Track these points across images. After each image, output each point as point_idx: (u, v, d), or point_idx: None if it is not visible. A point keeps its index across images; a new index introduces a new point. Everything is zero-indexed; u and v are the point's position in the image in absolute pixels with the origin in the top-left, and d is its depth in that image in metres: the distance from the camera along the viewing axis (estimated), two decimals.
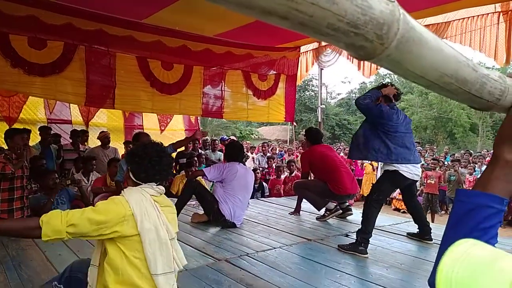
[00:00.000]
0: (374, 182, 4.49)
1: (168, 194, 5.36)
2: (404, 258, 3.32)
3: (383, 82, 4.48)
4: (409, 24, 0.57)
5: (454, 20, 4.75)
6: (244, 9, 0.48)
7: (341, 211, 4.67)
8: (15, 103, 6.81)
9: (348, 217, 4.78)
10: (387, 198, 8.28)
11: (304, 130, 6.71)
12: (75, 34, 4.72)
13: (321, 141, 4.80)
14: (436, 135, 25.21)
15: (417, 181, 3.81)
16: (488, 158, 9.74)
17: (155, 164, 1.80)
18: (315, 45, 6.54)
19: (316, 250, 3.44)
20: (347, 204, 4.92)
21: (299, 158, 6.83)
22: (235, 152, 4.41)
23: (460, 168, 9.09)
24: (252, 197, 5.07)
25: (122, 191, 1.78)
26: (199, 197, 4.34)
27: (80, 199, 4.73)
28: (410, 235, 3.94)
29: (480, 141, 23.35)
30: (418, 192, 7.90)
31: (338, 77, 57.68)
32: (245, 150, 6.16)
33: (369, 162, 10.15)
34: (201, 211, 4.40)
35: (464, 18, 4.65)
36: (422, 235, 3.80)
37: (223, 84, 6.46)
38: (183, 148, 6.75)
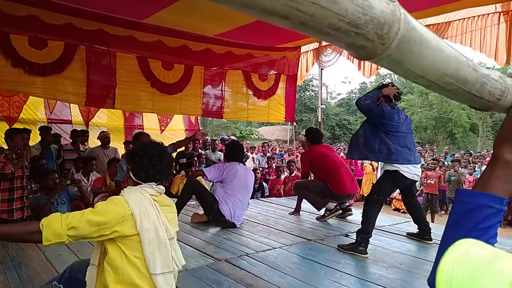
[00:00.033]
0: (374, 182, 4.49)
1: (168, 194, 5.35)
2: (404, 258, 3.32)
3: (384, 82, 4.49)
4: (410, 24, 0.57)
5: (454, 20, 4.75)
6: (247, 9, 0.48)
7: (341, 211, 4.67)
8: (15, 103, 6.81)
9: (348, 217, 4.78)
10: (387, 198, 8.28)
11: (304, 130, 6.71)
12: (76, 34, 4.72)
13: (321, 141, 4.80)
14: (436, 135, 25.22)
15: (417, 181, 3.81)
16: (488, 159, 9.74)
17: (156, 163, 1.80)
18: (315, 45, 6.54)
19: (316, 250, 3.44)
20: (347, 204, 4.92)
21: (299, 158, 6.83)
22: (235, 152, 4.42)
23: (460, 168, 9.09)
24: (252, 197, 5.07)
25: (121, 190, 1.78)
26: (199, 197, 4.35)
27: (80, 199, 4.74)
28: (410, 235, 3.94)
29: (480, 141, 23.36)
30: (418, 192, 7.90)
31: (339, 77, 57.78)
32: (245, 150, 6.16)
33: (369, 162, 10.15)
34: (201, 211, 4.40)
35: (464, 18, 4.65)
36: (422, 235, 3.80)
37: (223, 84, 6.46)
38: (183, 148, 6.75)
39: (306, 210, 5.00)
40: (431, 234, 3.76)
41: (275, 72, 6.89)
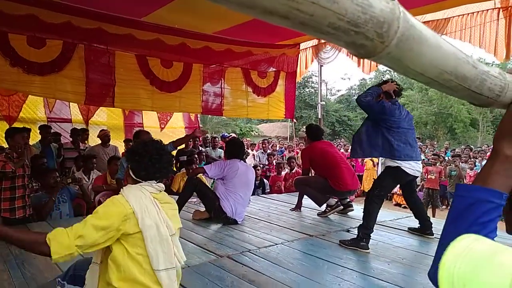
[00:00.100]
0: (375, 178, 4.50)
1: (169, 191, 5.37)
2: (405, 253, 3.33)
3: (383, 79, 4.49)
4: (409, 22, 0.58)
5: (453, 17, 4.74)
6: (246, 9, 0.49)
7: (342, 207, 4.68)
8: (14, 102, 6.80)
9: (349, 213, 4.79)
10: (388, 194, 8.29)
11: (304, 127, 6.72)
12: (74, 32, 4.72)
13: (321, 138, 4.80)
14: (436, 130, 25.23)
15: (417, 177, 3.82)
16: (489, 153, 9.74)
17: (155, 162, 1.81)
18: (314, 42, 6.53)
19: (318, 246, 3.45)
20: (348, 200, 4.94)
21: (299, 154, 6.84)
22: (235, 149, 4.42)
23: (460, 163, 9.09)
24: (253, 194, 5.08)
25: (121, 189, 1.79)
26: (200, 194, 4.36)
27: (81, 197, 4.75)
28: (412, 230, 3.95)
29: (480, 136, 23.38)
30: (418, 188, 7.92)
31: (338, 73, 57.48)
32: (245, 147, 6.16)
33: (370, 158, 10.15)
34: (203, 208, 4.41)
35: (463, 14, 4.64)
36: (423, 230, 3.81)
37: (222, 81, 6.45)
38: (183, 146, 6.76)
39: (307, 206, 5.01)
40: (433, 229, 3.77)
41: (274, 69, 6.89)
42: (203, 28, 5.52)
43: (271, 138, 15.88)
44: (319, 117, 7.21)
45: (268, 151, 8.92)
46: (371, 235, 3.39)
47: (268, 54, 6.55)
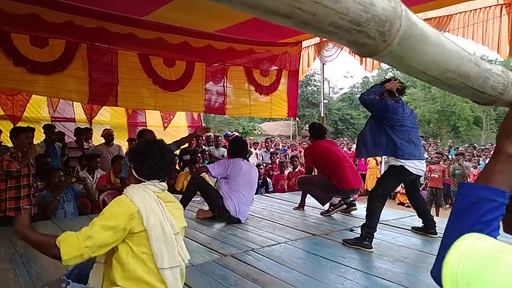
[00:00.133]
0: (378, 177, 4.49)
1: (173, 191, 5.38)
2: (409, 252, 3.32)
3: (386, 77, 4.47)
4: (411, 21, 0.58)
5: (456, 13, 4.72)
6: (248, 8, 0.49)
7: (345, 206, 4.67)
8: (18, 101, 6.83)
9: (352, 212, 4.78)
10: (391, 193, 8.27)
11: (307, 125, 6.71)
12: (77, 32, 4.73)
13: (324, 136, 4.80)
14: (439, 128, 25.11)
15: (421, 176, 3.80)
16: (492, 152, 9.68)
17: (158, 161, 1.82)
18: (316, 40, 6.51)
19: (321, 245, 3.45)
20: (351, 199, 4.93)
21: (302, 153, 6.84)
22: (238, 148, 4.42)
23: (464, 161, 9.05)
24: (256, 193, 5.08)
25: (124, 189, 1.80)
26: (203, 194, 4.36)
27: (85, 196, 4.77)
28: (415, 229, 3.93)
29: (484, 134, 23.26)
30: (422, 186, 7.89)
31: (341, 71, 57.48)
32: (248, 146, 6.16)
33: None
34: (206, 207, 4.42)
35: (466, 11, 4.62)
36: (427, 229, 3.79)
37: (225, 80, 6.45)
38: (186, 145, 6.77)
39: (311, 205, 5.01)
40: (436, 228, 3.75)
41: (276, 68, 6.88)
42: (205, 27, 5.52)
43: (274, 137, 15.87)
44: (322, 115, 7.20)
45: (271, 150, 8.92)
46: (374, 234, 3.39)
47: (270, 52, 6.54)
